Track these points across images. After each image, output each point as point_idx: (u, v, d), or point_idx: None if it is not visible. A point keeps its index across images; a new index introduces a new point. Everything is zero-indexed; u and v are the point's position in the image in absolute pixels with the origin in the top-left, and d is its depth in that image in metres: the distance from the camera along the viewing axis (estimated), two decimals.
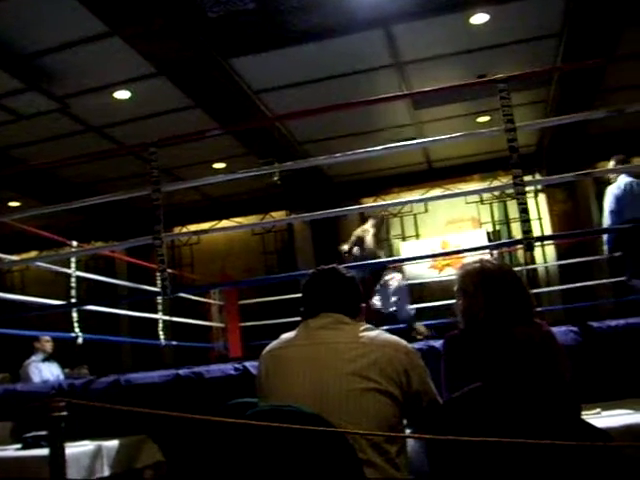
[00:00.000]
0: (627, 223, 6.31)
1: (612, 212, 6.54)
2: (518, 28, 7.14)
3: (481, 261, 2.67)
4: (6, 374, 8.83)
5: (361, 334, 2.31)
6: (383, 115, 9.19)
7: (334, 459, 1.95)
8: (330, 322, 2.36)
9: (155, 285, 7.27)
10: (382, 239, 8.09)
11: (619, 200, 6.53)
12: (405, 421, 2.32)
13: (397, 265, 8.54)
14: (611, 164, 6.73)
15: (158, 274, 4.14)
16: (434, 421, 2.16)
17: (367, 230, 7.88)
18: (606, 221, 6.64)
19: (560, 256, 10.49)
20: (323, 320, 2.38)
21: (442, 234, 11.47)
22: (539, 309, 8.65)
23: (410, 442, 2.32)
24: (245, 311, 9.58)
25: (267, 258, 12.65)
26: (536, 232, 10.53)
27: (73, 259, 6.69)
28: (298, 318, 2.52)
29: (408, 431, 2.38)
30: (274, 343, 2.46)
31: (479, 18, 6.91)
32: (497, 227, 11.75)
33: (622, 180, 6.65)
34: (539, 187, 11.35)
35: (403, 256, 10.87)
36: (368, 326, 2.39)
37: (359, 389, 2.16)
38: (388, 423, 2.16)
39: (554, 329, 2.71)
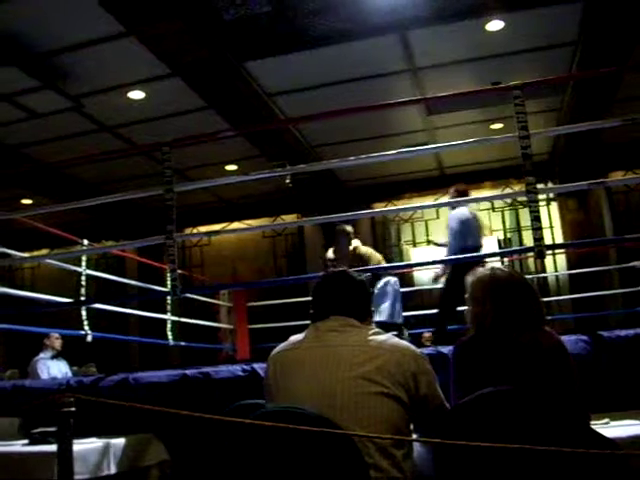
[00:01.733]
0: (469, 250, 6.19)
1: (458, 235, 6.45)
2: (534, 36, 7.13)
3: (492, 269, 2.68)
4: (15, 370, 8.87)
5: (370, 337, 2.30)
6: (396, 120, 9.20)
7: (340, 462, 1.95)
8: (339, 325, 2.36)
9: (165, 285, 7.29)
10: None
11: (466, 226, 6.49)
12: (412, 426, 2.32)
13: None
14: (451, 191, 6.88)
15: (168, 274, 4.14)
16: (441, 426, 2.15)
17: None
18: (455, 244, 6.46)
19: (571, 265, 10.47)
20: (332, 323, 2.38)
21: None
22: (549, 317, 8.62)
23: (416, 447, 2.32)
24: (254, 313, 9.59)
25: (277, 261, 12.66)
26: (547, 240, 10.51)
27: (84, 257, 6.73)
28: (307, 321, 2.52)
29: (415, 436, 2.38)
30: (283, 345, 2.46)
31: (495, 25, 6.91)
32: (508, 235, 11.72)
33: (464, 210, 6.64)
34: (551, 195, 11.32)
35: (413, 261, 10.87)
36: (377, 330, 2.38)
37: (367, 392, 2.16)
38: (395, 427, 2.15)
39: (564, 338, 2.70)
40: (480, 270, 2.72)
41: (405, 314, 7.73)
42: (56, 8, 6.18)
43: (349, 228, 7.10)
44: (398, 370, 2.21)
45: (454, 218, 6.56)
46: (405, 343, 2.35)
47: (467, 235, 6.41)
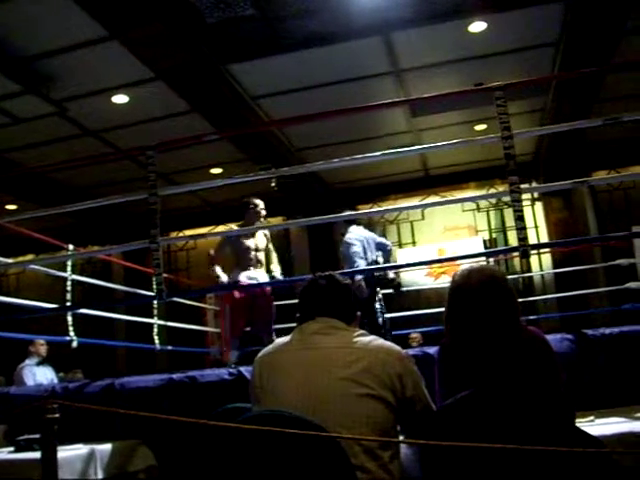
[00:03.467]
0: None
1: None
2: (516, 37, 7.17)
3: (467, 269, 2.62)
4: (1, 377, 8.81)
5: (355, 339, 2.30)
6: (381, 122, 9.22)
7: (327, 464, 1.94)
8: (324, 327, 2.36)
9: (151, 289, 7.25)
10: None
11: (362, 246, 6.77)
12: (398, 427, 2.32)
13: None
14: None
15: (154, 278, 4.12)
16: (427, 427, 2.15)
17: None
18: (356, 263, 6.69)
19: (556, 264, 10.51)
20: (317, 325, 2.38)
21: (439, 241, 11.48)
22: (533, 317, 8.66)
23: (403, 448, 2.32)
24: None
25: None
26: (532, 240, 10.56)
27: (69, 262, 6.67)
28: (293, 324, 2.52)
29: (401, 437, 2.37)
30: (268, 348, 2.45)
31: (477, 26, 6.94)
32: (494, 235, 11.76)
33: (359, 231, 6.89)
34: (536, 195, 11.38)
35: (399, 263, 10.90)
36: (362, 332, 2.38)
37: (353, 394, 2.15)
38: (382, 429, 2.15)
39: (549, 337, 2.71)
40: (455, 272, 2.70)
41: (392, 315, 7.77)
42: (38, 13, 6.15)
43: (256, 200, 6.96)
44: (383, 371, 2.21)
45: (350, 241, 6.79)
46: (390, 344, 2.35)
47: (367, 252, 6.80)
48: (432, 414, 2.27)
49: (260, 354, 2.45)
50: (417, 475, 2.24)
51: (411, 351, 3.51)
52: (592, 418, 2.76)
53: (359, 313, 2.57)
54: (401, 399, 2.23)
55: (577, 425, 2.08)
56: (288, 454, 1.94)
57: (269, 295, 6.72)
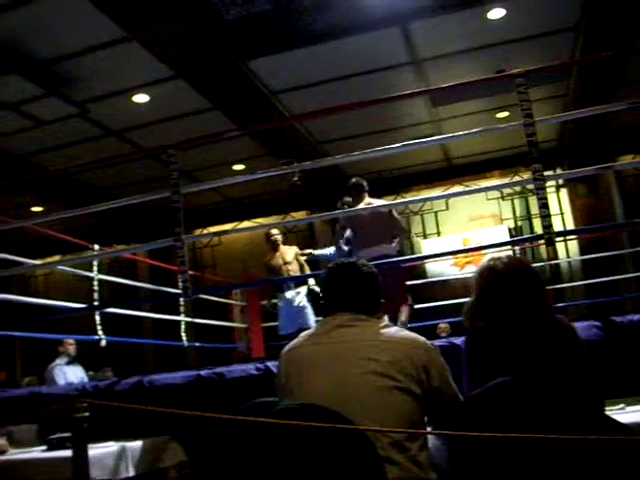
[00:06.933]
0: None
1: None
2: (536, 22, 7.10)
3: (492, 259, 2.62)
4: (33, 377, 8.93)
5: (380, 331, 2.29)
6: (401, 113, 9.18)
7: (354, 457, 1.94)
8: (348, 320, 2.34)
9: (177, 287, 7.29)
10: None
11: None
12: (425, 418, 2.31)
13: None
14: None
15: (179, 276, 4.15)
16: (454, 418, 2.14)
17: None
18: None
19: (583, 251, 10.41)
20: (341, 318, 2.36)
21: (463, 231, 11.43)
22: (561, 304, 8.58)
23: (431, 439, 2.30)
24: (267, 311, 9.60)
25: None
26: (558, 227, 10.46)
27: (95, 262, 6.73)
28: (318, 318, 2.52)
29: (429, 428, 2.36)
30: (294, 342, 2.45)
31: (496, 13, 6.88)
32: (519, 223, 11.69)
33: None
34: (561, 182, 11.27)
35: (424, 253, 10.88)
36: (387, 323, 2.37)
37: (379, 387, 2.14)
38: (409, 421, 2.14)
39: (577, 324, 2.68)
40: (481, 262, 2.69)
41: (419, 306, 7.73)
42: (58, 15, 6.20)
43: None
44: (409, 363, 2.19)
45: None
46: (415, 335, 2.33)
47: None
48: (459, 404, 2.25)
49: (285, 348, 2.45)
50: (446, 466, 2.23)
51: (437, 342, 3.49)
52: (622, 406, 2.73)
53: (383, 301, 2.54)
54: (427, 390, 2.21)
55: (607, 413, 2.06)
56: (315, 447, 1.94)
57: None
